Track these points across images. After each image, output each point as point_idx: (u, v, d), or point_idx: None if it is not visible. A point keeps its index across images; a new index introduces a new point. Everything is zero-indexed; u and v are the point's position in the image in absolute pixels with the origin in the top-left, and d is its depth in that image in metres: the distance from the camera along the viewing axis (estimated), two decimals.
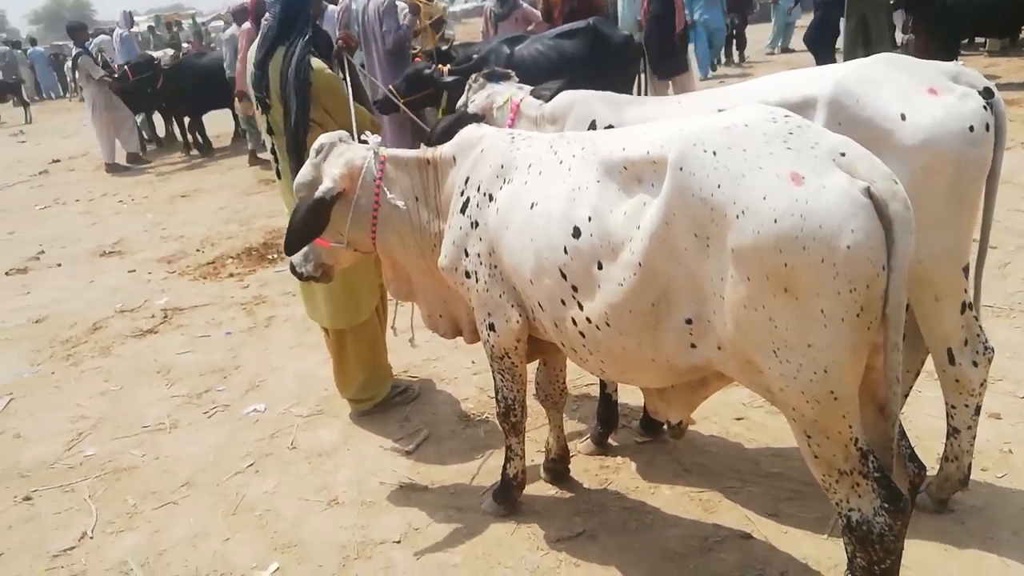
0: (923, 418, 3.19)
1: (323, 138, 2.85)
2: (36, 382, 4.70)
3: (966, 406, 2.57)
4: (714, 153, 1.82)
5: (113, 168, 11.43)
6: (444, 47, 7.22)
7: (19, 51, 26.14)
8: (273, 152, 3.58)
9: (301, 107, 3.29)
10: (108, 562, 3.01)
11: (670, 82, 9.24)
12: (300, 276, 3.02)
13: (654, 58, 8.89)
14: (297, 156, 3.35)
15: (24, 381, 4.73)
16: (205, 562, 2.94)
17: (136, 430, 3.99)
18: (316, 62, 3.33)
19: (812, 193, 1.68)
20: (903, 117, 2.24)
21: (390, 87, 5.18)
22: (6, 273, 7.03)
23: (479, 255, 2.58)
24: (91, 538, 3.17)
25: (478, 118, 3.20)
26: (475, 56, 6.69)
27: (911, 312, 2.40)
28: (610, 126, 2.80)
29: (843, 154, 1.74)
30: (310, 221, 2.69)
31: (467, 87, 3.53)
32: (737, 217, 1.75)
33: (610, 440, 3.39)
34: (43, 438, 4.02)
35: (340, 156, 2.79)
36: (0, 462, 3.84)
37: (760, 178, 1.74)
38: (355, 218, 2.79)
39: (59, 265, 7.16)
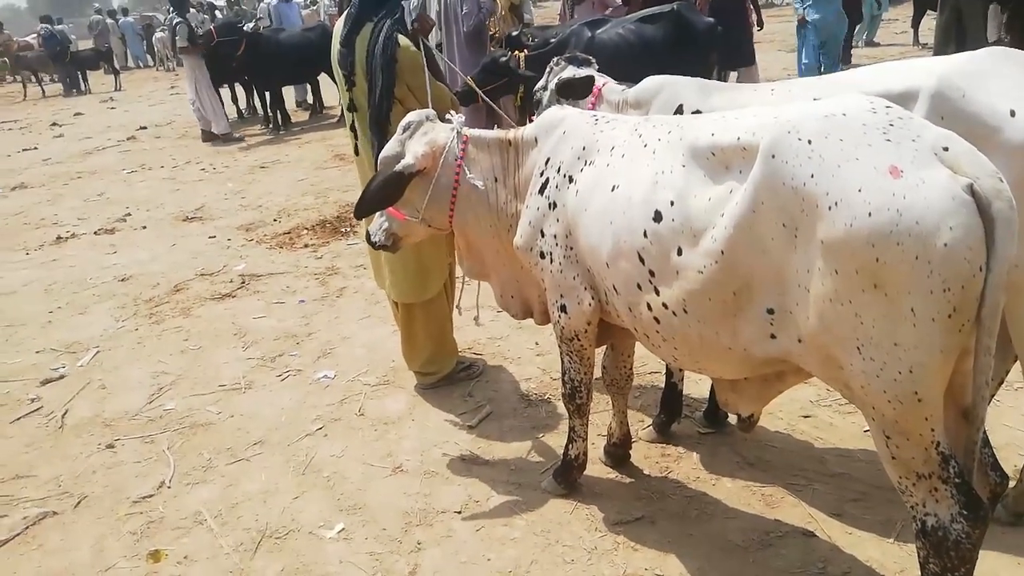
0: (1001, 429, 3.07)
1: (411, 116, 2.93)
2: (121, 337, 4.94)
3: None
4: (809, 142, 1.78)
5: (208, 136, 11.76)
6: (515, 32, 7.21)
7: (111, 21, 27.16)
8: (352, 128, 3.65)
9: (387, 84, 3.34)
10: (184, 511, 3.16)
11: (734, 73, 8.96)
12: (372, 243, 3.12)
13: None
14: (379, 132, 3.41)
15: (110, 336, 4.97)
16: (274, 518, 3.06)
17: (213, 388, 4.16)
18: (403, 39, 3.38)
19: (910, 187, 1.63)
20: (1012, 114, 2.14)
21: (470, 77, 5.20)
22: (95, 232, 7.38)
23: (555, 236, 2.59)
24: (168, 488, 3.34)
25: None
26: (552, 40, 6.67)
27: (1002, 318, 2.30)
28: (698, 112, 2.76)
29: (946, 148, 1.68)
30: (384, 192, 2.79)
31: (548, 69, 3.53)
32: (830, 208, 1.71)
33: (672, 429, 3.37)
34: (126, 390, 4.24)
35: (425, 134, 2.86)
36: (86, 410, 4.06)
37: (856, 169, 1.69)
38: (434, 196, 2.86)
39: (144, 227, 7.47)
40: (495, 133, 2.89)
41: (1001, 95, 2.20)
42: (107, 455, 3.63)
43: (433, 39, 7.32)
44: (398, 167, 2.78)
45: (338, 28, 3.54)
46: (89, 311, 5.44)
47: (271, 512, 3.10)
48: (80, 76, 21.60)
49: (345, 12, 3.58)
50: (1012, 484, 2.62)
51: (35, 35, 23.96)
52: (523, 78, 5.17)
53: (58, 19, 25.09)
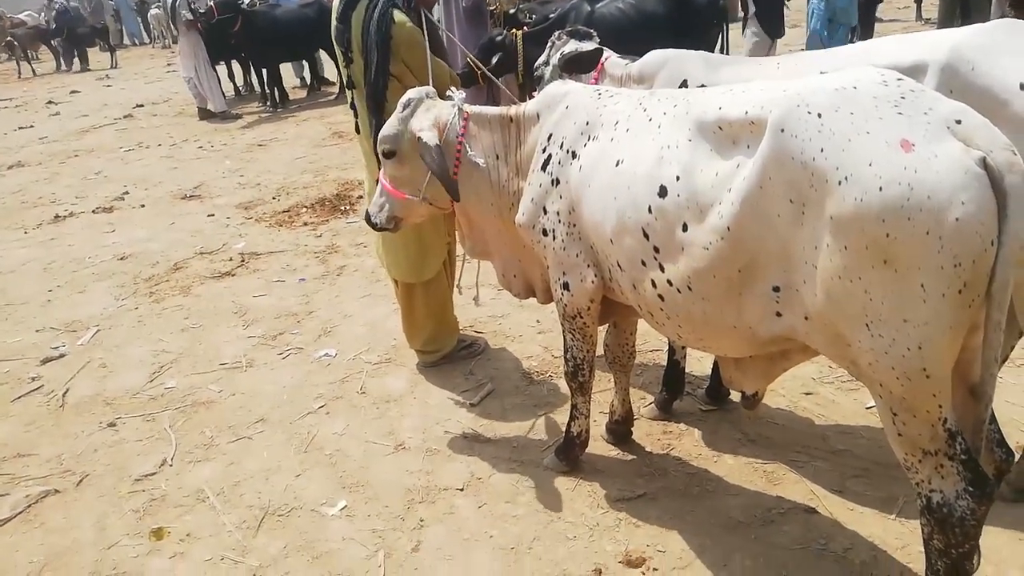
0: (1002, 405, 3.06)
1: (410, 93, 2.88)
2: (121, 316, 4.92)
3: None
4: (819, 115, 1.75)
5: (206, 114, 11.67)
6: (513, 10, 7.13)
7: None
8: (353, 106, 3.60)
9: (382, 60, 3.29)
10: (186, 489, 3.17)
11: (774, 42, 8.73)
12: (373, 225, 3.07)
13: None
14: (376, 110, 3.37)
15: (110, 314, 4.96)
16: (277, 495, 3.06)
17: (214, 367, 4.15)
18: (398, 15, 3.32)
19: (922, 161, 1.61)
20: (1022, 87, 2.11)
21: (472, 58, 5.14)
22: (93, 211, 7.34)
23: (558, 213, 2.56)
24: (171, 466, 3.34)
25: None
26: (551, 16, 6.59)
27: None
28: (703, 87, 2.72)
29: (959, 121, 1.65)
30: (440, 166, 2.69)
31: (549, 44, 3.48)
32: (839, 183, 1.68)
33: (674, 406, 3.37)
34: (127, 369, 4.23)
35: (427, 111, 2.82)
36: (88, 389, 4.05)
37: (867, 143, 1.66)
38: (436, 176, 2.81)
39: (142, 206, 7.42)
40: (497, 110, 2.84)
41: (1010, 68, 2.17)
42: (108, 433, 3.63)
43: (436, 13, 7.25)
44: (433, 142, 2.69)
45: (335, 4, 3.48)
46: (88, 290, 5.42)
47: (273, 490, 3.10)
48: (78, 53, 21.41)
49: None
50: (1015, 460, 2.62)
51: (27, 12, 23.68)
52: (515, 48, 5.12)
53: None
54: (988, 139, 1.64)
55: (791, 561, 2.50)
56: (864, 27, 9.95)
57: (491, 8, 7.56)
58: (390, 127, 2.85)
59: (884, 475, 2.78)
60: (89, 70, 20.79)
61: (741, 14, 9.16)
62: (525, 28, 6.35)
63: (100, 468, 3.38)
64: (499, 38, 5.88)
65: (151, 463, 3.37)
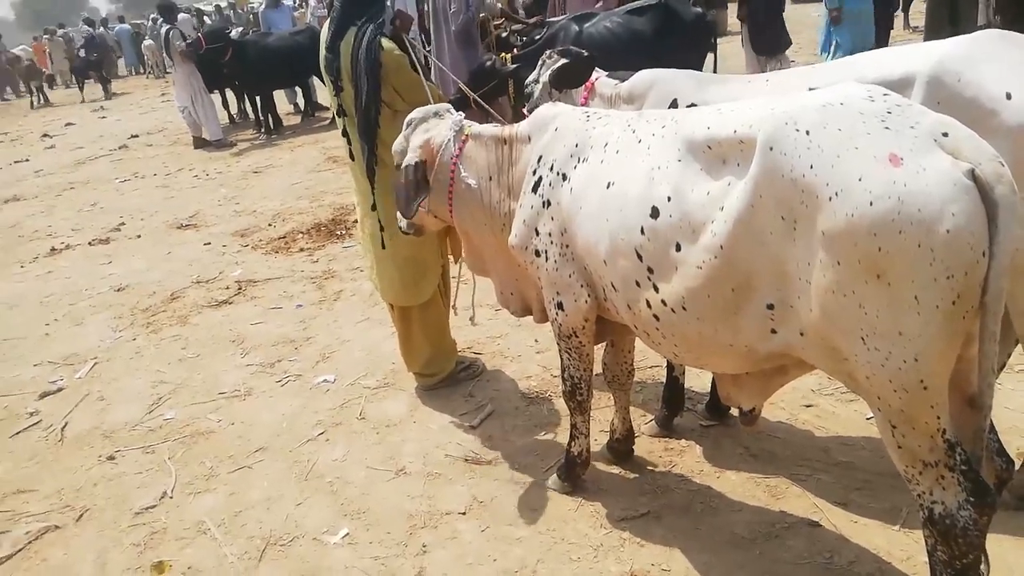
0: (1002, 412, 3.07)
1: (414, 112, 3.02)
2: (118, 348, 4.92)
3: None
4: (807, 132, 1.77)
5: (201, 143, 11.73)
6: (505, 34, 7.20)
7: (102, 29, 27.02)
8: (345, 134, 3.60)
9: (372, 88, 3.32)
10: (187, 521, 3.15)
11: (764, 59, 8.72)
12: (400, 229, 3.24)
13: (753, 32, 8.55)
14: (368, 136, 3.40)
15: (107, 347, 4.95)
16: (278, 524, 3.05)
17: (213, 396, 4.14)
18: (386, 42, 3.36)
19: (911, 175, 1.62)
20: (1008, 96, 2.13)
21: (464, 84, 5.19)
22: (89, 243, 7.35)
23: (550, 234, 2.58)
24: (171, 498, 3.32)
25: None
26: (537, 38, 6.66)
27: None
28: (692, 105, 2.74)
29: (946, 134, 1.67)
30: (408, 185, 2.84)
31: (540, 62, 3.51)
32: (830, 199, 1.70)
33: (675, 423, 3.36)
34: (125, 401, 4.22)
35: (426, 132, 2.91)
36: (85, 423, 4.04)
37: (856, 159, 1.68)
38: (434, 191, 2.91)
39: (139, 236, 7.44)
40: (494, 130, 2.88)
41: (997, 78, 2.19)
42: (108, 467, 3.61)
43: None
44: (404, 163, 2.87)
45: (324, 33, 3.52)
46: (86, 322, 5.42)
47: (275, 519, 3.08)
48: (79, 84, 21.74)
49: (329, 17, 3.55)
50: (1016, 468, 2.62)
51: (22, 47, 23.92)
52: (508, 73, 5.16)
53: (102, 21, 25.09)
54: (976, 151, 1.66)
55: None
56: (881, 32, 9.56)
57: (495, 26, 7.59)
58: (397, 143, 3.03)
59: (887, 486, 2.77)
60: (115, 95, 21.00)
61: (731, 28, 9.22)
62: (515, 51, 6.41)
63: (100, 502, 3.36)
64: (488, 63, 5.93)
65: (151, 496, 3.35)
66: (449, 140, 2.88)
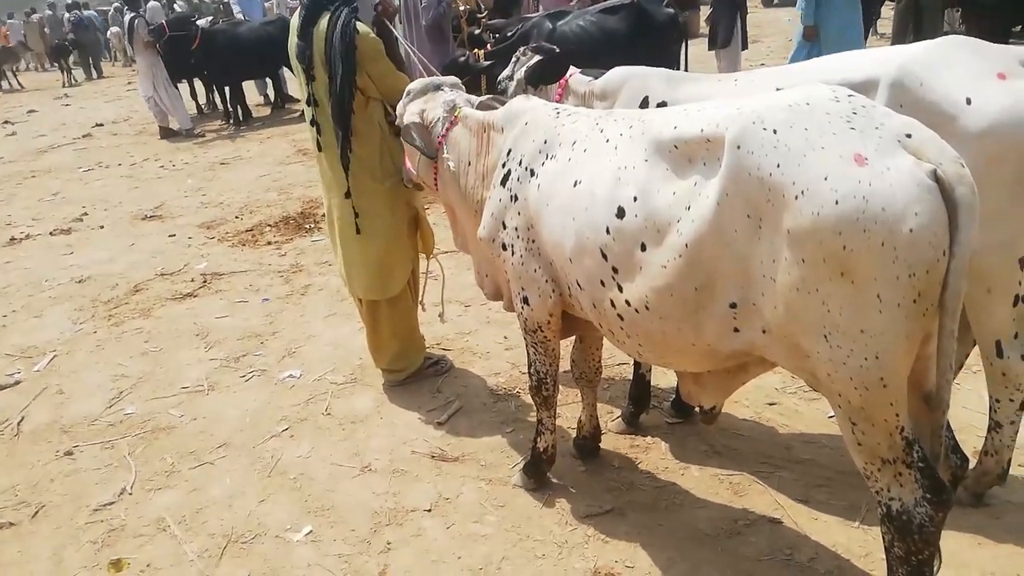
0: (960, 411, 3.13)
1: (415, 83, 3.10)
2: (79, 340, 4.81)
3: (1011, 400, 2.52)
4: (774, 132, 1.78)
5: (168, 133, 11.53)
6: (477, 31, 7.17)
7: (67, 15, 26.39)
8: (313, 123, 3.55)
9: (347, 72, 3.28)
10: (146, 518, 3.09)
11: (718, 53, 9.20)
12: (405, 184, 3.41)
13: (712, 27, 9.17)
14: (343, 122, 3.35)
15: (67, 339, 4.84)
16: (240, 522, 3.00)
17: (175, 391, 4.07)
18: (361, 26, 3.32)
19: (876, 175, 1.64)
20: (968, 102, 2.17)
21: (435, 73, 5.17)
22: (50, 233, 7.17)
23: (516, 229, 2.57)
24: (130, 494, 3.25)
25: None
26: (510, 35, 6.63)
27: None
28: (663, 103, 2.75)
29: (909, 135, 1.69)
30: (415, 132, 2.92)
31: (514, 59, 3.49)
32: (796, 198, 1.71)
33: (641, 420, 3.38)
34: (85, 395, 4.12)
35: (425, 102, 3.01)
36: (43, 417, 3.94)
37: (822, 158, 1.70)
38: (423, 163, 3.01)
39: (102, 227, 7.28)
40: (480, 115, 2.87)
41: (957, 83, 2.23)
42: (65, 462, 3.53)
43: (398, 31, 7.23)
44: (405, 121, 2.98)
45: (294, 22, 3.46)
46: (45, 314, 5.29)
47: (236, 516, 3.03)
48: (62, 67, 21.51)
49: (301, 4, 3.50)
50: (972, 465, 2.67)
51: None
52: (481, 70, 5.15)
53: (84, 4, 24.66)
54: (938, 152, 1.68)
55: (758, 572, 2.51)
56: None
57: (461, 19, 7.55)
58: (399, 107, 3.12)
59: (847, 483, 2.81)
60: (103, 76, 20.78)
61: (703, 31, 9.43)
62: (488, 47, 6.38)
63: (57, 499, 3.28)
64: (461, 59, 5.91)
65: (110, 492, 3.28)
66: (439, 119, 2.93)
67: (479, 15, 7.69)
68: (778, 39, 14.31)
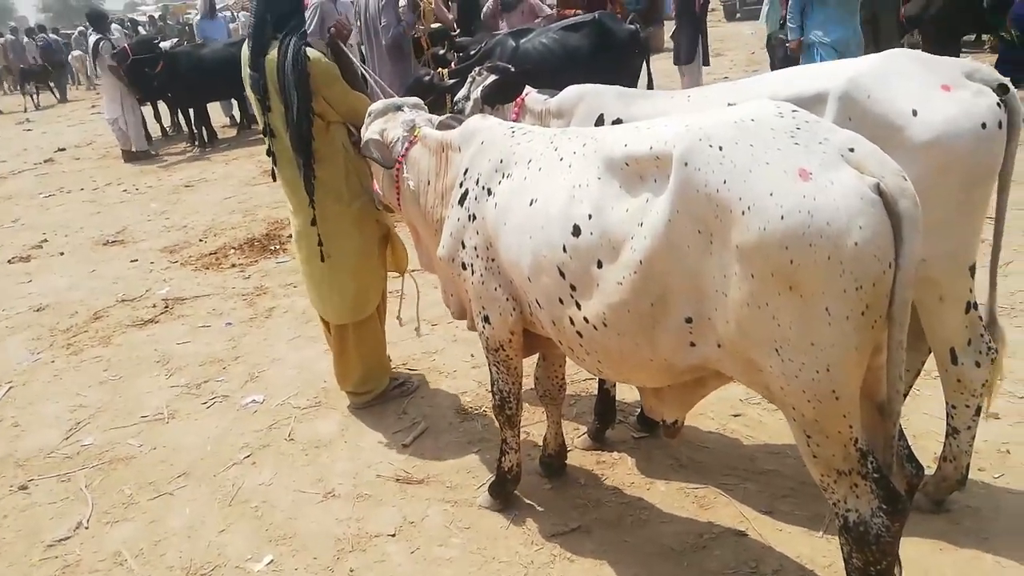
0: (920, 417, 3.17)
1: (375, 104, 3.14)
2: (36, 371, 4.70)
3: (967, 406, 2.55)
4: (720, 148, 1.79)
5: (131, 156, 11.38)
6: (442, 51, 7.20)
7: (27, 39, 26.08)
8: (270, 153, 3.50)
9: (303, 100, 3.25)
10: (103, 552, 3.01)
11: (681, 69, 9.42)
12: (376, 206, 3.46)
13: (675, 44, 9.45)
14: (303, 150, 3.32)
15: (24, 369, 4.72)
16: (200, 553, 2.93)
17: (134, 420, 3.98)
18: (312, 52, 3.30)
19: (820, 189, 1.65)
20: (915, 113, 2.21)
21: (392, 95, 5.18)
22: (8, 261, 7.02)
23: (476, 248, 2.57)
24: (86, 528, 3.17)
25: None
26: (473, 53, 6.67)
27: (914, 311, 2.37)
28: (619, 120, 2.77)
29: (852, 150, 1.71)
30: (375, 147, 2.96)
31: (470, 79, 3.50)
32: (743, 213, 1.72)
33: (607, 435, 3.37)
34: (41, 427, 4.02)
35: (383, 124, 3.03)
36: None
37: (767, 174, 1.71)
38: (386, 183, 3.03)
39: (62, 254, 7.15)
40: (440, 135, 2.87)
41: (904, 95, 2.27)
42: (19, 497, 3.43)
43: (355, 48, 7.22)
44: (365, 139, 3.02)
45: (245, 52, 3.42)
46: (2, 344, 5.16)
47: (196, 547, 2.96)
48: (24, 90, 21.33)
49: (248, 34, 3.47)
50: (932, 472, 2.70)
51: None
52: (446, 89, 5.16)
53: (53, 29, 24.36)
54: (880, 165, 1.70)
55: None
56: None
57: (417, 36, 7.56)
58: (362, 131, 3.14)
59: (811, 494, 2.81)
60: (47, 107, 20.41)
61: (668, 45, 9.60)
62: (452, 66, 6.40)
63: (10, 535, 3.18)
64: (425, 78, 5.92)
65: (65, 527, 3.19)
66: (399, 139, 2.94)
67: (452, 33, 7.72)
68: (741, 53, 14.55)
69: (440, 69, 6.12)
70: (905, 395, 2.66)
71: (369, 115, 3.12)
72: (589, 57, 6.47)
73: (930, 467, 2.73)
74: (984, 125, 2.20)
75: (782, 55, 8.27)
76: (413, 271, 3.68)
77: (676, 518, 2.84)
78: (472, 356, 4.26)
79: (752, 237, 1.72)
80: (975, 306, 2.46)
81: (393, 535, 2.91)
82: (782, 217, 1.68)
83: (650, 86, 6.73)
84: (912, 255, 1.68)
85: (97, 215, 8.49)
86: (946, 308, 2.40)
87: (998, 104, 2.23)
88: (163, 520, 3.15)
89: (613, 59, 6.43)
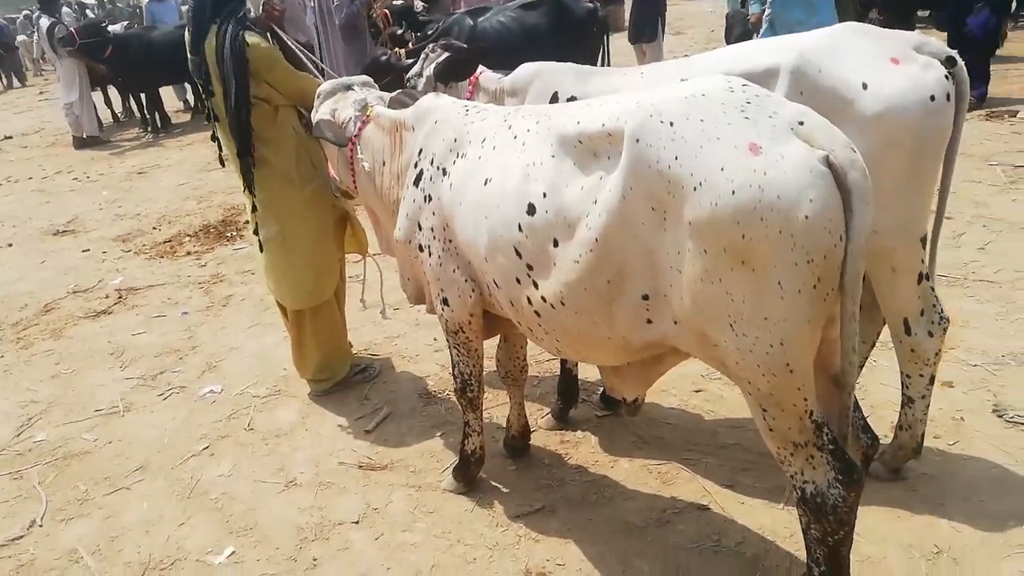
0: (877, 387, 3.22)
1: (324, 85, 3.07)
2: None
3: (921, 376, 2.59)
4: (671, 124, 1.77)
5: (87, 141, 11.05)
6: (400, 31, 7.09)
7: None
8: (215, 138, 3.45)
9: (241, 87, 3.19)
10: (58, 551, 2.93)
11: (642, 47, 9.39)
12: (333, 192, 3.36)
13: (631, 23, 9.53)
14: (242, 137, 3.25)
15: None
16: (158, 548, 2.87)
17: (88, 414, 3.88)
18: (251, 37, 3.22)
19: (770, 163, 1.65)
20: (864, 86, 2.21)
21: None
22: None
23: (432, 229, 2.53)
24: (40, 526, 3.08)
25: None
26: (430, 32, 6.57)
27: (867, 283, 2.39)
28: (573, 98, 2.74)
29: (801, 123, 1.71)
30: (327, 128, 2.90)
31: (423, 56, 3.44)
32: (695, 189, 1.71)
33: (571, 415, 3.37)
34: None
35: (332, 104, 2.97)
36: None
37: (718, 149, 1.70)
38: (340, 165, 2.97)
39: (10, 245, 6.92)
40: (393, 114, 2.81)
41: (854, 69, 2.27)
42: None
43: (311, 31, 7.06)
44: (316, 119, 2.95)
45: (187, 38, 3.33)
46: None
47: (154, 542, 2.90)
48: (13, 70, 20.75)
49: (188, 18, 3.37)
50: (887, 441, 2.75)
51: None
52: (403, 68, 5.07)
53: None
54: (829, 138, 1.70)
55: (687, 560, 2.53)
56: None
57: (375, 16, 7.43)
58: (313, 113, 3.07)
59: (770, 466, 2.80)
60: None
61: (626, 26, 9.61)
62: (410, 45, 6.30)
63: None
64: (383, 57, 5.81)
65: (19, 525, 3.10)
66: (351, 119, 2.88)
67: (417, 12, 7.58)
68: (700, 31, 14.59)
69: (397, 49, 6.01)
70: (861, 366, 2.70)
71: (318, 96, 3.06)
72: (547, 35, 6.42)
73: (887, 436, 2.79)
74: (933, 97, 2.22)
75: (739, 32, 8.36)
76: (375, 255, 3.62)
77: (639, 494, 2.86)
78: (434, 340, 4.23)
79: (704, 213, 1.71)
80: (927, 277, 2.49)
81: (357, 522, 2.88)
82: (733, 192, 1.67)
83: (606, 64, 6.71)
84: (862, 227, 1.69)
85: (47, 204, 8.23)
86: (898, 279, 2.43)
87: (946, 76, 2.25)
88: (120, 515, 3.08)
89: (571, 37, 6.39)
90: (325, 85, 3.07)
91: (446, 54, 3.28)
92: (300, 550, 2.77)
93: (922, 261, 2.46)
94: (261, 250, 3.46)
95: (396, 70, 5.75)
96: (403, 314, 4.55)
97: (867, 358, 2.82)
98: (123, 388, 4.09)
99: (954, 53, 2.31)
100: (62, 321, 5.07)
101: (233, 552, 2.80)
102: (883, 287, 2.46)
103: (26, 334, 4.94)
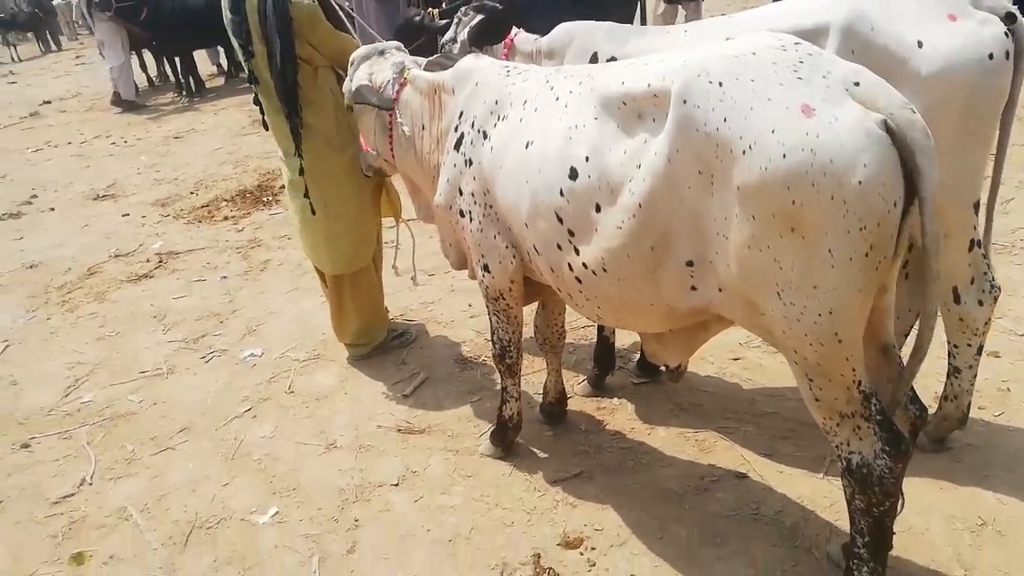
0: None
1: (358, 51, 3.03)
2: (31, 329, 4.66)
3: (969, 345, 2.53)
4: (720, 84, 1.72)
5: (124, 104, 11.18)
6: None
7: None
8: (257, 101, 3.40)
9: (286, 46, 3.14)
10: (107, 508, 3.02)
11: (679, 7, 9.08)
12: (364, 172, 3.32)
13: None
14: (289, 98, 3.22)
15: (19, 328, 4.69)
16: (204, 507, 2.95)
17: (133, 376, 3.97)
18: None
19: (823, 126, 1.59)
20: (919, 44, 2.13)
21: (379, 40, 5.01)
22: None
23: (473, 194, 2.50)
24: (90, 484, 3.18)
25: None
26: None
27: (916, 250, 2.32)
28: (613, 58, 2.67)
29: (857, 83, 1.64)
30: (368, 93, 2.86)
31: (456, 20, 3.38)
32: (744, 152, 1.66)
33: (607, 381, 3.36)
34: (40, 385, 4.00)
35: (371, 66, 2.94)
36: None
37: (769, 110, 1.64)
38: (377, 132, 2.94)
39: (52, 209, 7.04)
40: (431, 76, 2.77)
41: (908, 26, 2.18)
42: (22, 455, 3.43)
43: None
44: (354, 87, 2.90)
45: None
46: None
47: (200, 502, 2.98)
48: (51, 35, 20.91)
49: None
50: (933, 411, 2.70)
51: None
52: (437, 30, 5.01)
53: None
54: (886, 99, 1.64)
55: (725, 528, 2.52)
56: None
57: None
58: (344, 85, 3.03)
59: (811, 435, 2.82)
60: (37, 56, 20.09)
61: None
62: (444, 5, 6.20)
63: (14, 493, 3.19)
64: (416, 18, 5.73)
65: (69, 483, 3.20)
66: (389, 82, 2.84)
67: None
68: None
69: (431, 9, 5.92)
70: (906, 335, 2.64)
71: (352, 63, 3.01)
72: None
73: (931, 406, 2.73)
74: (991, 55, 2.12)
75: None
76: (409, 220, 3.62)
77: (677, 462, 2.86)
78: (470, 306, 4.23)
79: (753, 177, 1.66)
80: (979, 244, 2.41)
81: (396, 485, 2.92)
82: (784, 156, 1.62)
83: (644, 23, 6.54)
84: (932, 186, 1.62)
85: (86, 169, 8.35)
86: (951, 245, 2.36)
87: (1005, 34, 2.15)
88: (166, 475, 3.17)
89: None
90: (359, 51, 3.02)
91: (479, 16, 3.22)
92: (342, 511, 2.82)
93: (974, 227, 2.38)
94: (313, 213, 3.44)
95: (430, 31, 5.68)
96: (438, 279, 4.56)
97: (911, 327, 2.75)
98: (166, 351, 4.17)
99: (1014, 8, 2.20)
100: (105, 285, 5.18)
101: (277, 512, 2.86)
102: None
103: (71, 297, 5.05)
